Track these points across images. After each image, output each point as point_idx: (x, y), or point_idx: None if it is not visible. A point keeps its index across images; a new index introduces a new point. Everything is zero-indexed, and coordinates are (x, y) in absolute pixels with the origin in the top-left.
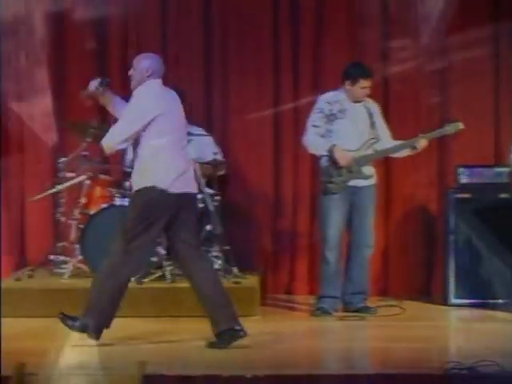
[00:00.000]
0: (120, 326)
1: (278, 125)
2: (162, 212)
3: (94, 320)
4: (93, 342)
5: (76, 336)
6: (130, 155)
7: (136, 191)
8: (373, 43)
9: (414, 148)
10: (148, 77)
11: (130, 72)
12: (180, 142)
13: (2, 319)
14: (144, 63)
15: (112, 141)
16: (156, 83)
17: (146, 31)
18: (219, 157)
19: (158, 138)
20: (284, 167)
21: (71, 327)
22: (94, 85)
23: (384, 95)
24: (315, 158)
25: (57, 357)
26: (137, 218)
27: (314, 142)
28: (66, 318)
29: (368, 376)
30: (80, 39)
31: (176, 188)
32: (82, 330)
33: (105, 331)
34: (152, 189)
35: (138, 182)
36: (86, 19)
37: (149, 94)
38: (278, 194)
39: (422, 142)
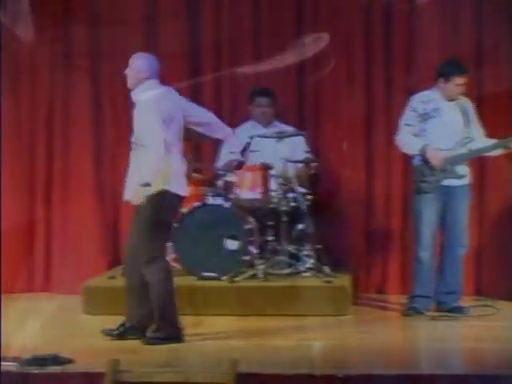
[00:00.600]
0: (213, 324)
1: (369, 124)
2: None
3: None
4: (185, 339)
5: None
6: (223, 156)
7: (151, 195)
8: (465, 41)
9: (508, 148)
10: (145, 78)
11: (126, 71)
12: (180, 142)
13: (96, 317)
14: (140, 63)
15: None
16: (154, 84)
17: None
18: (311, 155)
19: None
20: (376, 166)
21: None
22: None
23: (478, 92)
24: (407, 158)
25: (150, 354)
26: (158, 222)
27: (407, 141)
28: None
29: (459, 376)
30: None
31: (183, 191)
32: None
33: (198, 329)
34: (167, 192)
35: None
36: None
37: (154, 99)
38: (370, 193)
39: None
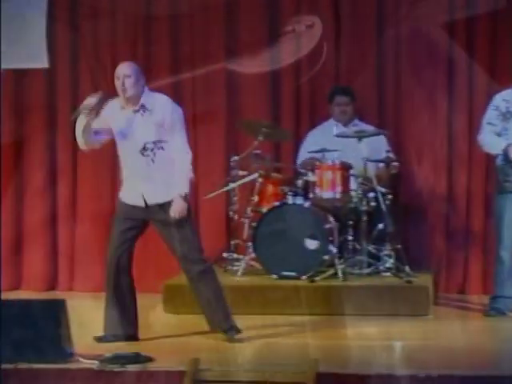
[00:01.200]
0: (291, 323)
1: (450, 123)
2: None
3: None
4: (264, 338)
5: (249, 333)
6: (302, 155)
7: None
8: None
9: None
10: (143, 86)
11: (125, 80)
12: None
13: (178, 316)
14: (139, 71)
15: (189, 152)
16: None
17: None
18: (391, 155)
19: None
20: (457, 165)
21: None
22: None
23: None
24: (489, 157)
25: (230, 353)
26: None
27: (490, 140)
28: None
29: None
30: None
31: None
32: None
33: (277, 329)
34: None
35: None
36: None
37: (170, 101)
38: (451, 193)
39: None
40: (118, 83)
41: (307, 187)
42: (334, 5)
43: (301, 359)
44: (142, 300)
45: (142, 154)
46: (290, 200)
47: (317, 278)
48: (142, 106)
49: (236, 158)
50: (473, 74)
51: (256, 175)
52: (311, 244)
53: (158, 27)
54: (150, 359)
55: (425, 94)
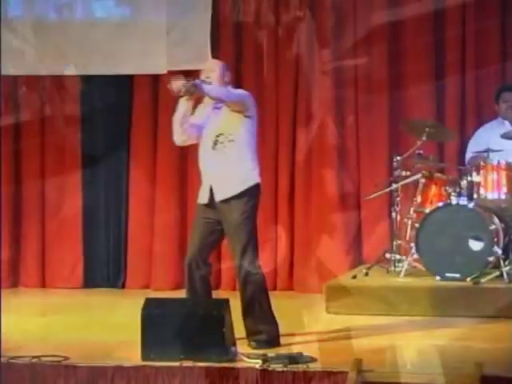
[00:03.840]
0: (454, 325)
1: None
2: None
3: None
4: (427, 340)
5: (411, 334)
6: (468, 154)
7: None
8: None
9: None
10: (228, 82)
11: (210, 74)
12: None
13: (340, 316)
14: (224, 67)
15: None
16: None
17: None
18: None
19: None
20: None
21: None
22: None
23: None
24: None
25: (392, 354)
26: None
27: None
28: None
29: None
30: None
31: None
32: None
33: (440, 331)
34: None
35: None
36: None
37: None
38: None
39: None
40: (203, 77)
41: (471, 188)
42: None
43: (464, 362)
44: (303, 300)
45: (213, 149)
46: (453, 200)
47: (482, 280)
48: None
49: (399, 158)
50: None
51: (419, 175)
52: (475, 245)
53: None
54: (312, 359)
55: None
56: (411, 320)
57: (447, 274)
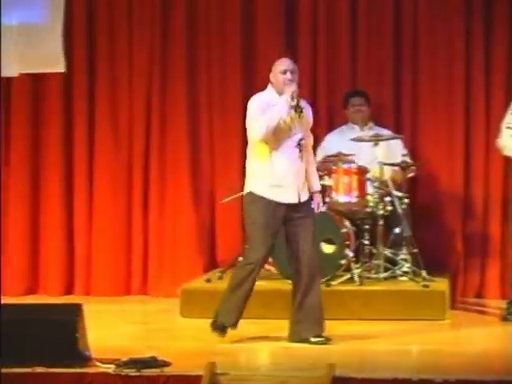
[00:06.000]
0: None
1: (468, 127)
2: None
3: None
4: (281, 343)
5: (265, 337)
6: (318, 159)
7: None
8: None
9: None
10: None
11: (292, 76)
12: None
13: (194, 320)
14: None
15: None
16: None
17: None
18: (408, 159)
19: None
20: (475, 169)
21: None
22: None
23: None
24: (507, 160)
25: (246, 357)
26: None
27: (509, 144)
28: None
29: None
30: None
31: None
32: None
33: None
34: None
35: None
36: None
37: None
38: (469, 196)
39: None
40: (283, 77)
41: (323, 192)
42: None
43: (317, 363)
44: (158, 305)
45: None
46: None
47: (333, 283)
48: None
49: None
50: (490, 78)
51: None
52: (327, 248)
53: None
54: (166, 363)
55: (442, 97)
56: (265, 323)
57: None
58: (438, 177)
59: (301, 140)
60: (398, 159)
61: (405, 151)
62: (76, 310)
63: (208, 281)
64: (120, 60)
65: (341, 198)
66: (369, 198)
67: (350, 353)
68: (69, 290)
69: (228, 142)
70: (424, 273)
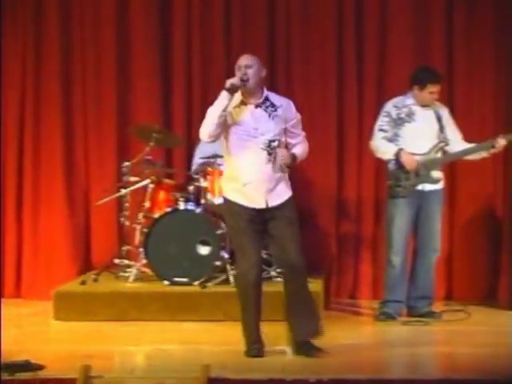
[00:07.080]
0: (183, 329)
1: (341, 128)
2: None
3: None
4: (157, 345)
5: (141, 339)
6: (195, 161)
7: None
8: (439, 46)
9: (493, 147)
10: (263, 79)
11: (247, 71)
12: None
13: (68, 323)
14: (260, 63)
15: None
16: None
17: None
18: None
19: None
20: (348, 170)
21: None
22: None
23: (467, 96)
24: (379, 162)
25: (122, 360)
26: None
27: (382, 146)
28: None
29: (431, 381)
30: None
31: None
32: None
33: (169, 335)
34: None
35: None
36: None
37: None
38: (342, 198)
39: (500, 142)
40: (238, 74)
41: (199, 193)
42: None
43: (192, 365)
44: (31, 307)
45: (267, 151)
46: (181, 206)
47: (208, 284)
48: (266, 100)
49: (127, 163)
50: (362, 81)
51: (148, 181)
52: (203, 250)
53: None
54: (40, 367)
55: (316, 98)
56: (141, 325)
57: (175, 279)
58: (311, 179)
59: (271, 142)
60: None
61: None
62: None
63: (83, 283)
64: None
65: (216, 199)
66: None
67: (226, 354)
68: None
69: (102, 144)
70: None
